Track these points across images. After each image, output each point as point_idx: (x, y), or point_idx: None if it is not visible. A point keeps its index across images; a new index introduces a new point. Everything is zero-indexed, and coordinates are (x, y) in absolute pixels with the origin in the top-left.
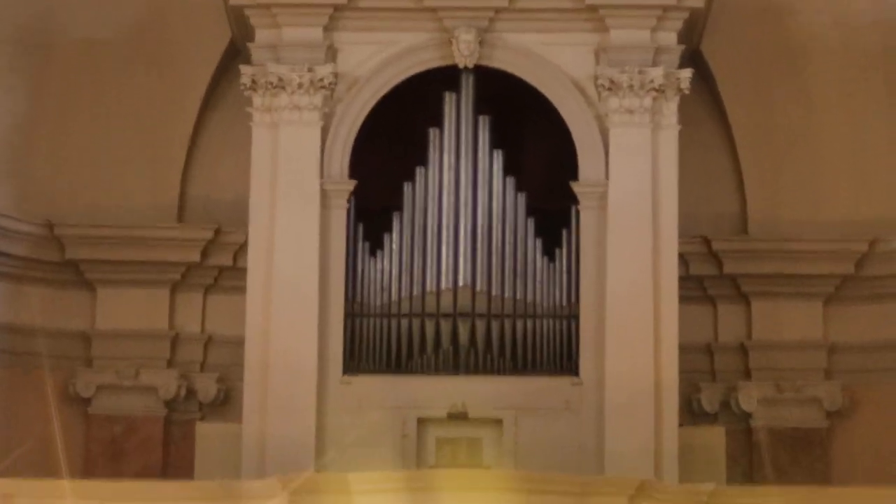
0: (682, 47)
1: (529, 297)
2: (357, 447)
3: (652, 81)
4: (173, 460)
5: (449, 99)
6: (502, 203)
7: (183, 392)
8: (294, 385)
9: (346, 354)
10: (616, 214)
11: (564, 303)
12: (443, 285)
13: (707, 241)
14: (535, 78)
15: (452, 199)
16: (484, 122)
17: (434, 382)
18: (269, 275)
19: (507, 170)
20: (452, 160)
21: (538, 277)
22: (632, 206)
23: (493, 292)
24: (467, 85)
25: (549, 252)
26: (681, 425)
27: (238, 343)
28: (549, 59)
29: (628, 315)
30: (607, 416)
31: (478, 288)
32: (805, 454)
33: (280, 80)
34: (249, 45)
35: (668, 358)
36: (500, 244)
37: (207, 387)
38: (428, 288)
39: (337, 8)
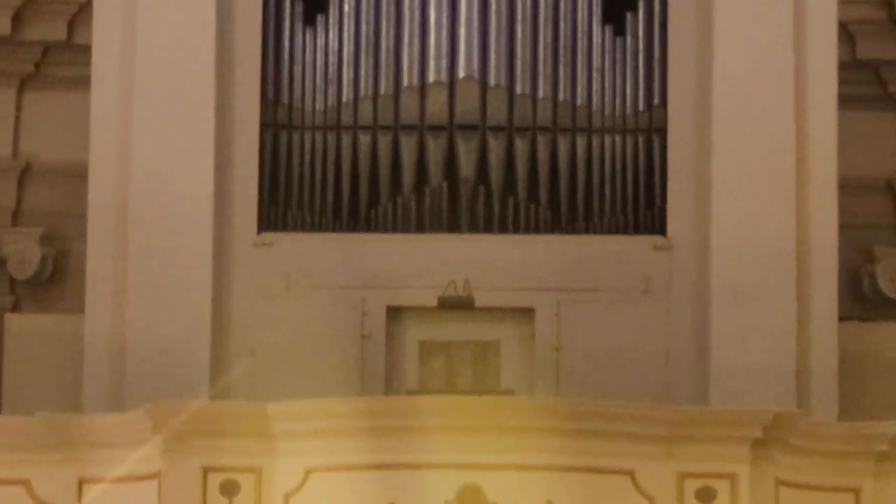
0: None
1: (581, 98)
2: (283, 355)
3: None
4: None
5: None
6: None
7: None
8: (174, 248)
9: (265, 197)
10: None
11: (641, 108)
12: (430, 76)
13: (889, 1)
14: None
15: None
16: None
17: (414, 245)
18: (130, 56)
19: None
20: None
21: (596, 64)
22: None
23: (518, 89)
24: None
25: (616, 21)
26: (842, 319)
27: (76, 175)
28: None
29: (750, 129)
30: (714, 304)
31: (491, 81)
32: None
33: None
34: None
35: (820, 203)
36: (530, 4)
37: (24, 252)
38: (405, 80)
39: None
